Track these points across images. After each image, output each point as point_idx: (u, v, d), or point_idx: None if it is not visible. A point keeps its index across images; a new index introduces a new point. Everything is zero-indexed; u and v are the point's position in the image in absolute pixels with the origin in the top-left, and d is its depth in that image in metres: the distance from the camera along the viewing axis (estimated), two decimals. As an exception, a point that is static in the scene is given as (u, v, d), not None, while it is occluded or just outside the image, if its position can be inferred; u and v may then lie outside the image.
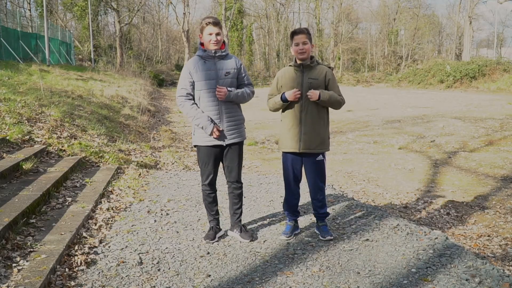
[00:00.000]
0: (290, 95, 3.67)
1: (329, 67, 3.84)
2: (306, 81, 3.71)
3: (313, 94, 3.64)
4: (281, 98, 3.73)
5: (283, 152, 3.89)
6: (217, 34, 3.57)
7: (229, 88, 3.61)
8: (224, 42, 3.70)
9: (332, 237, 3.85)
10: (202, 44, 3.66)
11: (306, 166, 3.85)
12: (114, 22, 43.10)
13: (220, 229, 3.96)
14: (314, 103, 3.71)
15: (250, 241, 3.84)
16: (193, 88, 3.66)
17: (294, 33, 3.73)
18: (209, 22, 3.56)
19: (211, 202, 3.87)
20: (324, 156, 3.86)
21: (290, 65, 3.82)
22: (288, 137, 3.78)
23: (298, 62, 3.74)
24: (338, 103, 3.75)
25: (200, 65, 3.62)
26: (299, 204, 4.04)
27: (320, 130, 3.75)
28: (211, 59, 3.62)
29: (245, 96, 3.72)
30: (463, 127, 11.99)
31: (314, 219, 4.28)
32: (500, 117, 13.55)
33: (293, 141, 3.75)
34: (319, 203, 3.91)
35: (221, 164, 3.85)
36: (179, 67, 49.40)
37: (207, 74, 3.60)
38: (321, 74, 3.73)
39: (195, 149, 3.85)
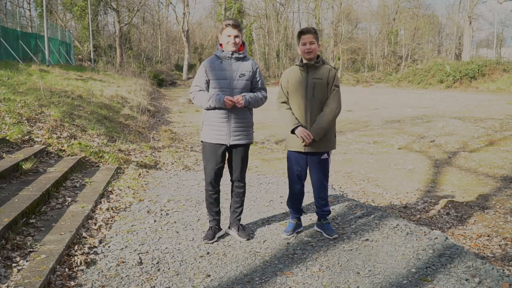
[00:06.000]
0: (299, 133, 3.67)
1: (334, 68, 3.85)
2: (310, 81, 3.72)
3: (307, 138, 3.64)
4: (291, 130, 3.72)
5: (288, 150, 3.90)
6: (236, 36, 3.59)
7: (243, 94, 3.61)
8: (243, 44, 3.72)
9: (337, 235, 3.90)
10: (221, 44, 3.68)
11: (311, 165, 3.87)
12: (113, 22, 43.09)
13: (219, 229, 3.95)
14: (318, 103, 3.72)
15: (246, 240, 3.85)
16: (208, 86, 3.69)
17: (301, 33, 3.75)
18: (229, 24, 3.60)
19: (213, 202, 3.86)
20: (329, 155, 3.87)
21: (296, 65, 3.83)
22: (294, 137, 3.78)
23: (304, 61, 3.76)
24: (333, 119, 3.74)
25: (216, 64, 3.66)
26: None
27: None
28: (227, 60, 3.65)
29: (258, 100, 3.72)
30: (463, 127, 11.99)
31: (313, 219, 4.29)
32: (499, 117, 13.55)
33: (299, 141, 3.76)
34: (323, 201, 3.94)
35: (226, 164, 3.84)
36: (178, 67, 49.42)
37: (222, 74, 3.63)
38: (325, 73, 3.74)
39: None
